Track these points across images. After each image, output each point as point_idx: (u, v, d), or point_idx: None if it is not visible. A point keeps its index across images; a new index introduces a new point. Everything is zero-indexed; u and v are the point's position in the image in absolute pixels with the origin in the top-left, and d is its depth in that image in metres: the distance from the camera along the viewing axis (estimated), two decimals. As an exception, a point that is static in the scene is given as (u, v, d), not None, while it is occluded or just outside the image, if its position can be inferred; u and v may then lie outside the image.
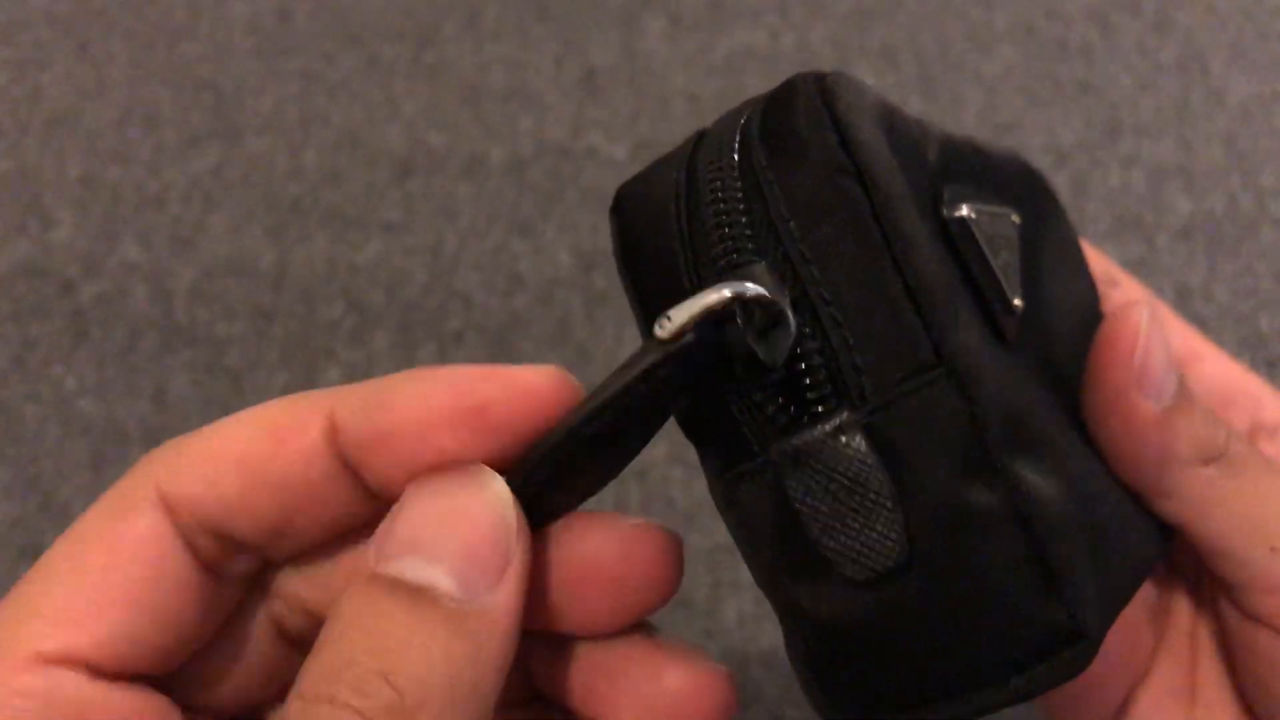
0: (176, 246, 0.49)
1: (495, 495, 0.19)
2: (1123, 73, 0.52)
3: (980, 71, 0.52)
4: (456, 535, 0.18)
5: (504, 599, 0.18)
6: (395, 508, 0.19)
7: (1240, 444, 0.24)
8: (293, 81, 0.53)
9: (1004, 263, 0.21)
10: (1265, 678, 0.25)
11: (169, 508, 0.20)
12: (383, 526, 0.19)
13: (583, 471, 0.20)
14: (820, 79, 0.19)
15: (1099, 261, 0.30)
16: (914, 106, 0.51)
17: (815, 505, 0.18)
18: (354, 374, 0.45)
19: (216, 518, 0.20)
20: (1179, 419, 0.23)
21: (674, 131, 0.51)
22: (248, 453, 0.20)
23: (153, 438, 0.44)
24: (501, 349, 0.45)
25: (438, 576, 0.18)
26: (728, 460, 0.20)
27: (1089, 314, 0.26)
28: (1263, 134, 0.50)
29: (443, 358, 0.45)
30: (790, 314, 0.18)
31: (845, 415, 0.18)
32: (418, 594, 0.18)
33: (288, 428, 0.20)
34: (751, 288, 0.18)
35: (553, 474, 0.19)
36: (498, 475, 0.19)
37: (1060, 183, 0.48)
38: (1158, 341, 0.23)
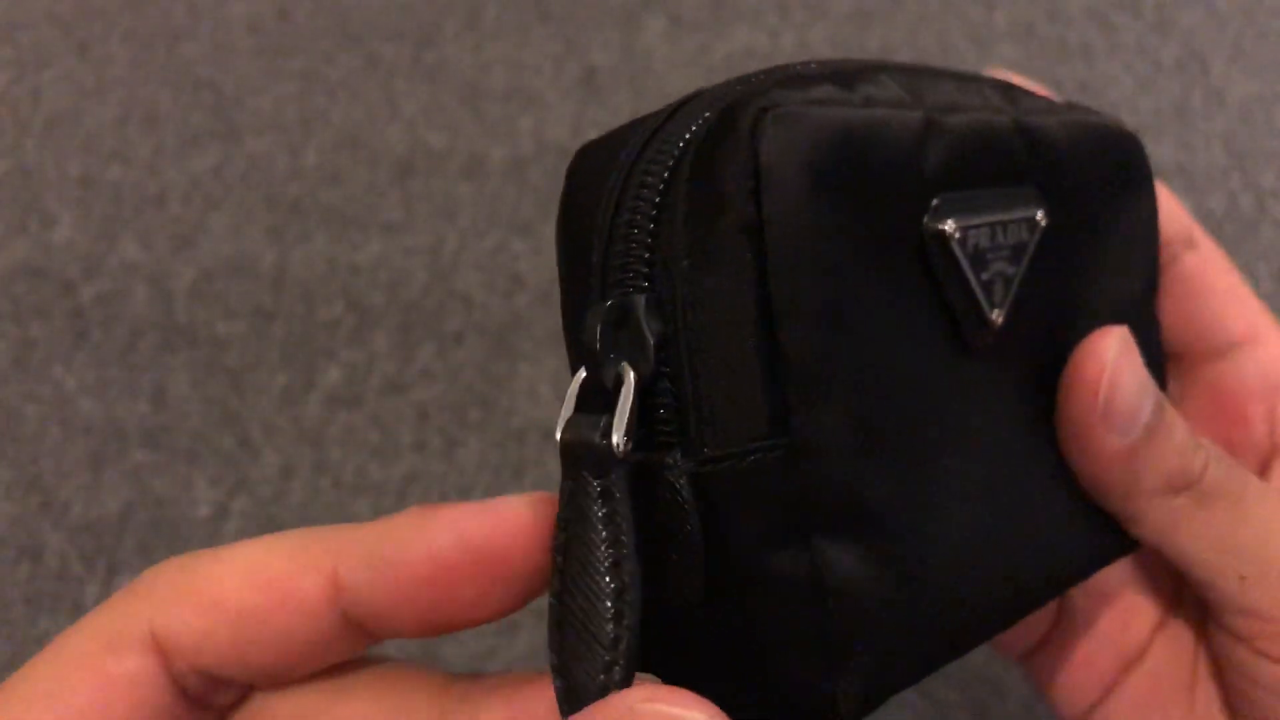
0: (176, 246, 0.49)
1: None
2: (1123, 73, 0.52)
3: (980, 71, 0.52)
4: None
5: None
6: None
7: (1221, 468, 0.24)
8: (293, 81, 0.53)
9: (994, 274, 0.21)
10: (1242, 688, 0.25)
11: (161, 650, 0.19)
12: None
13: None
14: (762, 114, 0.18)
15: (1178, 220, 0.28)
16: (914, 106, 0.51)
17: (640, 519, 0.19)
18: (354, 374, 0.45)
19: (210, 664, 0.20)
20: (1148, 450, 0.22)
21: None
22: (245, 605, 0.19)
23: (153, 438, 0.44)
24: (501, 349, 0.45)
25: None
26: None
27: (1126, 307, 0.25)
28: (1263, 134, 0.50)
29: (443, 358, 0.45)
30: (645, 365, 0.18)
31: (678, 457, 0.18)
32: None
33: (287, 585, 0.19)
34: (634, 386, 0.18)
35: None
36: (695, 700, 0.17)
37: (1060, 183, 0.49)
38: (1127, 374, 0.22)
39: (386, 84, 0.53)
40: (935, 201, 0.20)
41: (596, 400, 0.19)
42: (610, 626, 0.18)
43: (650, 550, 0.18)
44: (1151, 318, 0.27)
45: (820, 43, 0.53)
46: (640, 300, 0.19)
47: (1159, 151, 0.49)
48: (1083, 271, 0.24)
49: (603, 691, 0.18)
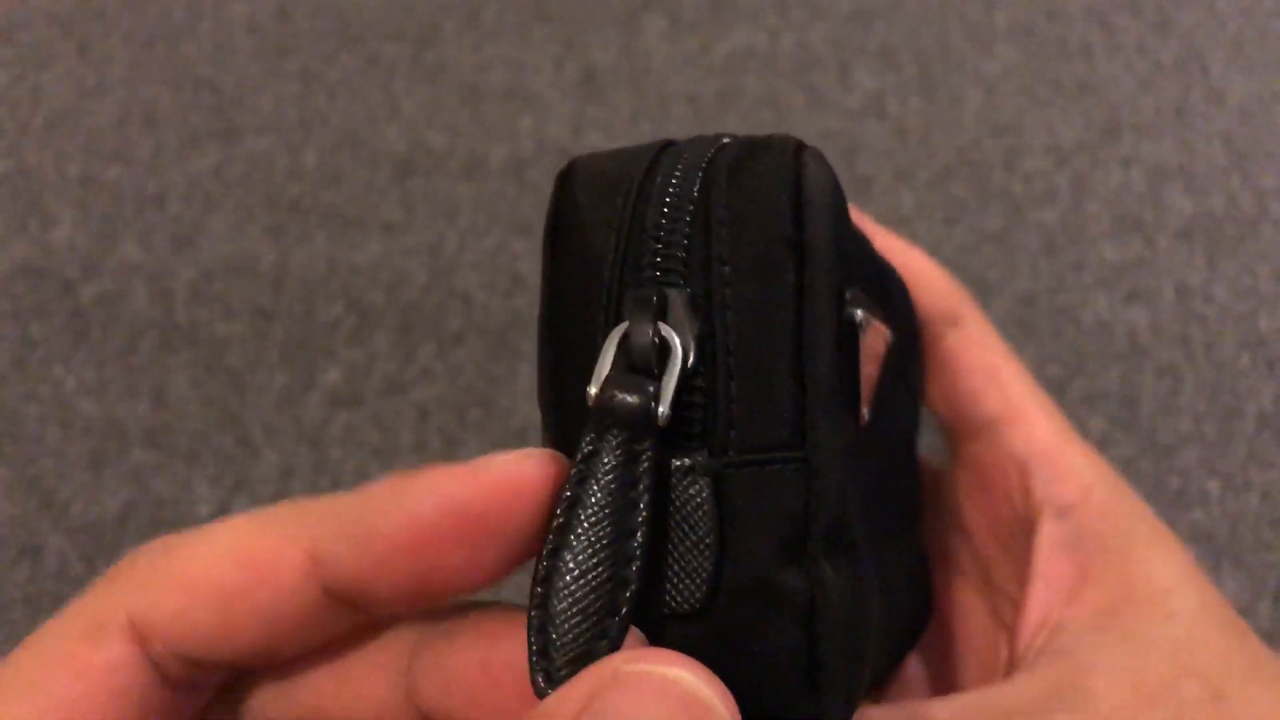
0: (176, 246, 0.49)
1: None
2: (1123, 73, 0.52)
3: (980, 71, 0.52)
4: None
5: None
6: None
7: None
8: (293, 81, 0.53)
9: (868, 374, 0.22)
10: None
11: (141, 636, 0.19)
12: None
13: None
14: (800, 148, 0.20)
15: (943, 297, 0.30)
16: (914, 106, 0.51)
17: (646, 521, 0.18)
18: (354, 374, 0.45)
19: (190, 648, 0.19)
20: None
21: (674, 132, 0.51)
22: (224, 585, 0.19)
23: (153, 438, 0.44)
24: (501, 349, 0.45)
25: None
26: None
27: (909, 441, 0.29)
28: (1263, 134, 0.50)
29: (443, 358, 0.45)
30: (690, 348, 0.19)
31: (702, 458, 0.19)
32: None
33: (265, 562, 0.19)
34: (682, 360, 0.18)
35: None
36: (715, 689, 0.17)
37: (1060, 183, 0.49)
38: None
39: (386, 84, 0.53)
40: (849, 293, 0.21)
41: (637, 366, 0.19)
42: (608, 594, 0.18)
43: (651, 552, 0.18)
44: (915, 451, 0.30)
45: (820, 43, 0.53)
46: (679, 294, 0.19)
47: (1159, 151, 0.49)
48: (895, 396, 0.26)
49: (585, 657, 0.17)
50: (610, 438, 0.18)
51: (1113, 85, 0.52)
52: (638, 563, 0.18)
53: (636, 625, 0.18)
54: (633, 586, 0.18)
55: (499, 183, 0.50)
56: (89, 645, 0.19)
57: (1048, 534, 0.28)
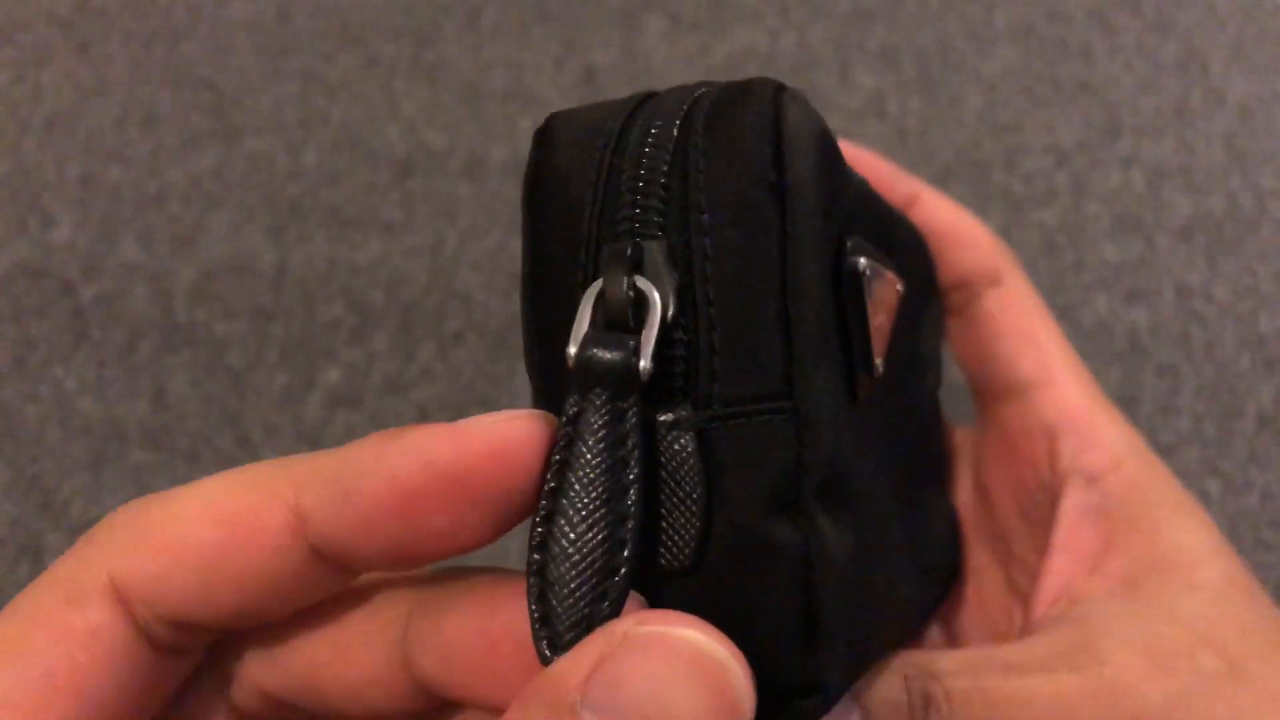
0: (176, 246, 0.49)
1: (729, 689, 0.16)
2: (1123, 73, 0.52)
3: (980, 71, 0.52)
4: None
5: None
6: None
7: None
8: (293, 81, 0.53)
9: (879, 324, 0.21)
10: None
11: (122, 598, 0.19)
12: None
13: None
14: (780, 90, 0.19)
15: (984, 255, 0.30)
16: (914, 106, 0.51)
17: (637, 479, 0.18)
18: (354, 374, 0.45)
19: (174, 610, 0.19)
20: None
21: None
22: (206, 544, 0.18)
23: (153, 438, 0.44)
24: (501, 349, 0.45)
25: None
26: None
27: (931, 395, 0.28)
28: (1263, 134, 0.50)
29: (443, 358, 0.45)
30: (669, 301, 0.18)
31: (686, 412, 0.18)
32: None
33: (248, 520, 0.18)
34: (660, 313, 0.18)
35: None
36: (731, 655, 0.17)
37: (1060, 183, 0.49)
38: None
39: (386, 84, 0.53)
40: (849, 242, 0.20)
41: (615, 323, 0.18)
42: (605, 555, 0.17)
43: (642, 509, 0.18)
44: (938, 406, 0.30)
45: (820, 43, 0.53)
46: (657, 246, 0.18)
47: (1159, 151, 0.49)
48: (913, 348, 0.26)
49: (586, 621, 0.17)
50: (594, 397, 0.18)
51: (1113, 85, 0.52)
52: (633, 521, 0.17)
53: (633, 586, 0.18)
54: (630, 546, 0.17)
55: (499, 183, 0.50)
56: (70, 609, 0.18)
57: (1073, 502, 0.27)
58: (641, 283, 0.18)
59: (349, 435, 0.44)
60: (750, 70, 0.53)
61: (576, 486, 0.18)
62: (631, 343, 0.18)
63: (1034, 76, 0.52)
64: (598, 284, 0.18)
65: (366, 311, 0.46)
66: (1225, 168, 0.49)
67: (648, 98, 0.21)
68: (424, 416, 0.44)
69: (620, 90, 0.53)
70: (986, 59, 0.53)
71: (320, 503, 0.18)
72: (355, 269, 0.48)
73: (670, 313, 0.18)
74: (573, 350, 0.18)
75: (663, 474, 0.18)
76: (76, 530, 0.42)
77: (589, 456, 0.18)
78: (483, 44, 0.54)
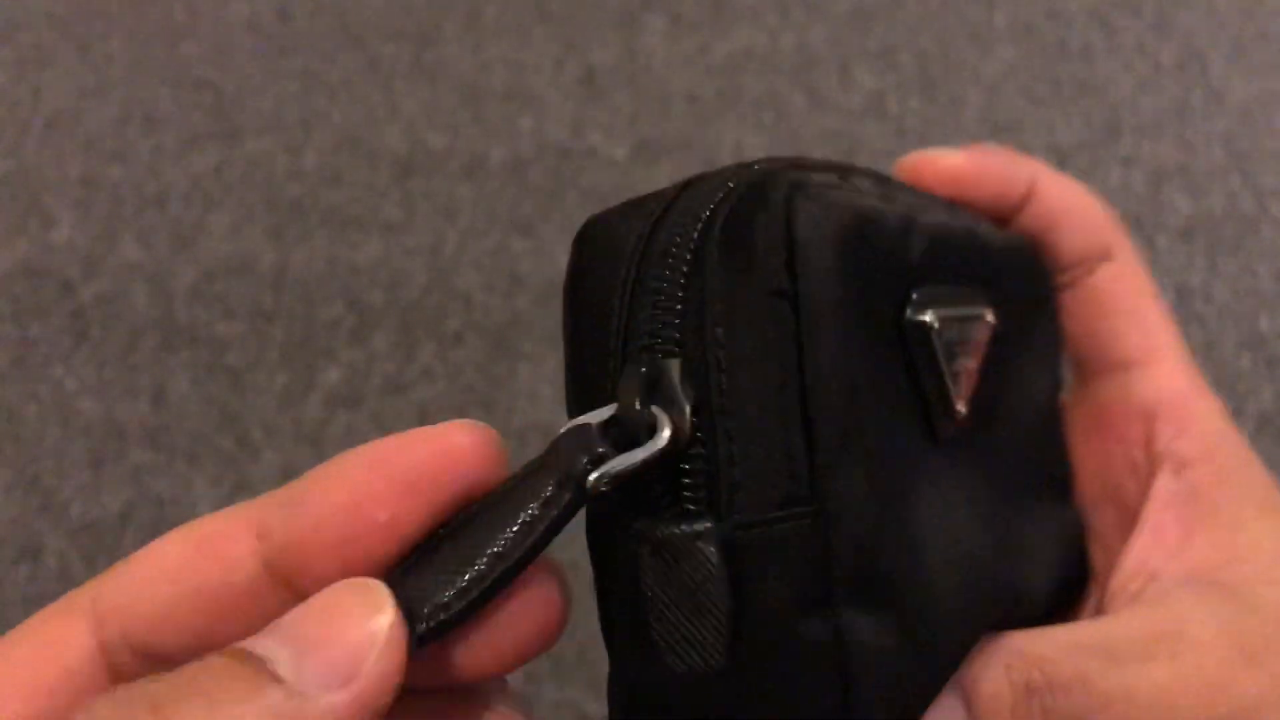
0: (176, 246, 0.49)
1: (373, 606, 0.18)
2: (1123, 73, 0.52)
3: (980, 71, 0.52)
4: (316, 629, 0.18)
5: (341, 706, 0.17)
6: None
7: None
8: (293, 81, 0.53)
9: (960, 367, 0.21)
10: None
11: (98, 617, 0.20)
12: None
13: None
14: (795, 190, 0.19)
15: (1098, 233, 0.29)
16: (914, 106, 0.51)
17: (658, 593, 0.19)
18: (354, 374, 0.45)
19: (141, 630, 0.20)
20: None
21: (674, 131, 0.51)
22: (175, 564, 0.20)
23: (153, 438, 0.44)
24: (501, 349, 0.45)
25: (281, 656, 0.17)
26: (606, 502, 0.20)
27: (1045, 409, 0.28)
28: (1263, 134, 0.50)
29: (443, 358, 0.45)
30: (684, 424, 0.18)
31: (708, 525, 0.18)
32: (257, 662, 0.17)
33: (215, 539, 0.20)
34: (668, 440, 0.18)
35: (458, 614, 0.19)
36: (389, 594, 0.18)
37: (1060, 183, 0.49)
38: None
39: (386, 84, 0.53)
40: (915, 295, 0.21)
41: (619, 436, 0.19)
42: (467, 578, 0.18)
43: (673, 616, 0.18)
44: (1057, 416, 0.29)
45: (820, 43, 0.53)
46: (673, 365, 0.19)
47: (1159, 151, 0.49)
48: (1017, 373, 0.25)
49: (439, 608, 0.18)
50: (545, 473, 0.19)
51: (1113, 85, 0.52)
52: (492, 579, 0.18)
53: (662, 699, 0.19)
54: (474, 595, 0.18)
55: (499, 183, 0.50)
56: (53, 620, 0.20)
57: (1163, 487, 0.27)
58: (655, 409, 0.19)
59: (349, 435, 0.44)
60: (750, 70, 0.53)
61: (484, 522, 0.18)
62: (601, 449, 0.18)
63: (1034, 76, 0.52)
64: (611, 408, 0.19)
65: (366, 311, 0.46)
66: (1225, 168, 0.49)
67: (686, 186, 0.21)
68: (424, 416, 0.44)
69: (620, 91, 0.53)
70: (986, 59, 0.53)
71: (278, 511, 0.19)
72: (355, 269, 0.48)
73: (683, 434, 0.18)
74: (563, 429, 0.19)
75: (686, 585, 0.18)
76: (76, 530, 0.42)
77: (509, 508, 0.18)
78: (483, 44, 0.54)
